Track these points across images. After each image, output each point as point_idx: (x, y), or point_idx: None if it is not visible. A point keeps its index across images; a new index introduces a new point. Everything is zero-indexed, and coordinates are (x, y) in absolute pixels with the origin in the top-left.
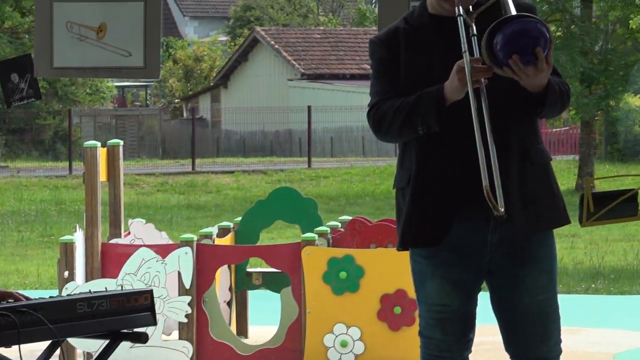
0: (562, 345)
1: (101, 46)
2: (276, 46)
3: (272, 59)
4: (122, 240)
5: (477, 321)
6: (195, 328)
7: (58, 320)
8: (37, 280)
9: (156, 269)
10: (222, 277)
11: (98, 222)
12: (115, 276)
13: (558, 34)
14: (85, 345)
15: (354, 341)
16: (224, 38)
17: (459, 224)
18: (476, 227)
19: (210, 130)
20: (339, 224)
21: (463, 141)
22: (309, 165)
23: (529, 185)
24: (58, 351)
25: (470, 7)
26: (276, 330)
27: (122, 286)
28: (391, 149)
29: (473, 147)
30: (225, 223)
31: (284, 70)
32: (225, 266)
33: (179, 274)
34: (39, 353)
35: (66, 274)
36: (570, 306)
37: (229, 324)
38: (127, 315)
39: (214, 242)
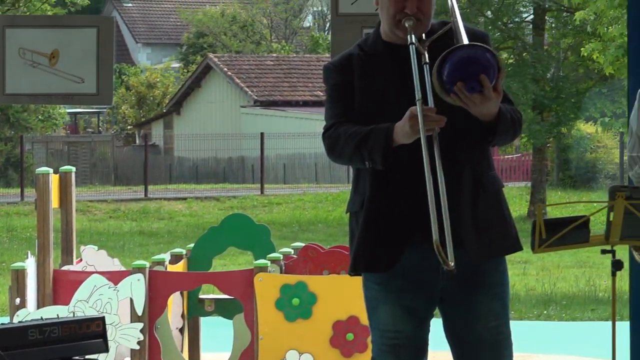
0: None
1: (54, 73)
2: (229, 73)
3: (225, 86)
4: (74, 267)
5: (429, 347)
6: (148, 355)
7: (9, 347)
8: None
9: (108, 295)
10: (175, 304)
11: (50, 248)
12: (67, 303)
13: (510, 61)
14: None
15: None
16: (176, 65)
17: (412, 250)
18: (429, 254)
19: (163, 156)
20: (292, 251)
21: (417, 169)
22: (262, 192)
23: (481, 212)
24: None
25: (423, 35)
26: (228, 357)
27: (74, 313)
28: (344, 175)
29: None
30: (177, 250)
31: (237, 97)
32: (178, 293)
33: (131, 300)
34: None
35: (17, 300)
36: (523, 332)
37: (181, 350)
38: (79, 342)
39: (166, 268)
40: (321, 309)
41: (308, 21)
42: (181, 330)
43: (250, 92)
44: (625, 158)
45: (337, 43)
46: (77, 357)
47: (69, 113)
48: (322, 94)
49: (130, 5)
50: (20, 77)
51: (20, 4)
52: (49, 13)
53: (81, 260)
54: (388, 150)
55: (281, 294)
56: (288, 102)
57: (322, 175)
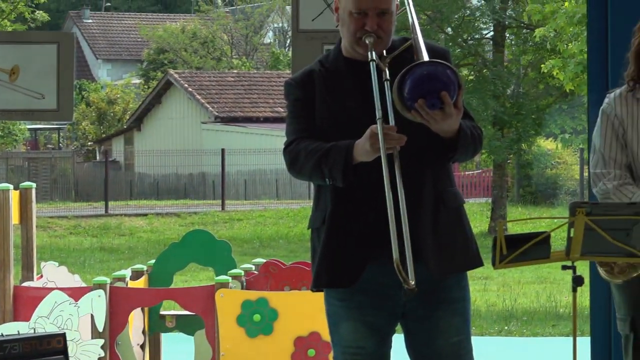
0: None
1: (14, 89)
2: (190, 89)
3: (186, 102)
4: (35, 284)
5: None
6: None
7: None
8: None
9: (69, 312)
10: (136, 320)
11: (10, 265)
12: (27, 319)
13: (470, 77)
14: None
15: None
16: (137, 81)
17: (373, 266)
18: (390, 270)
19: (124, 172)
20: (253, 267)
21: (378, 185)
22: (223, 208)
23: (442, 228)
24: None
25: (384, 51)
26: None
27: (34, 329)
28: (305, 191)
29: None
30: (138, 266)
31: (198, 113)
32: (139, 309)
33: (92, 317)
34: None
35: None
36: (484, 348)
37: None
38: (40, 358)
39: (127, 285)
40: (282, 325)
41: (268, 37)
42: (142, 347)
43: (211, 108)
44: (586, 174)
45: (297, 59)
46: None
47: (29, 129)
48: (283, 110)
49: (90, 21)
50: None
51: None
52: (9, 29)
53: (42, 276)
54: (348, 168)
55: (242, 310)
56: (249, 118)
57: (283, 191)
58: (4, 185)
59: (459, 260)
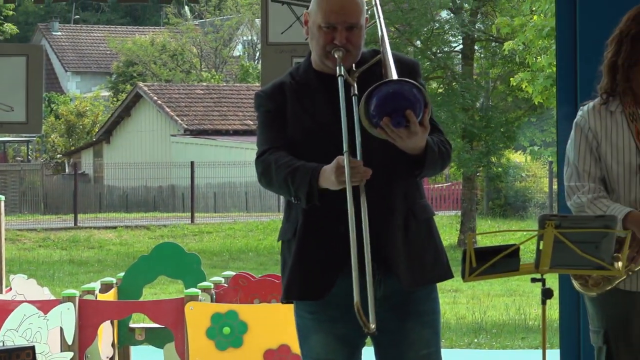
0: None
1: None
2: (159, 102)
3: (155, 115)
4: (4, 296)
5: None
6: None
7: None
8: None
9: (38, 324)
10: (105, 333)
11: None
12: None
13: (440, 90)
14: None
15: None
16: (106, 93)
17: (344, 279)
18: (360, 283)
19: (93, 185)
20: (223, 280)
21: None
22: (192, 221)
23: (413, 240)
24: None
25: (353, 65)
26: None
27: (3, 342)
28: (274, 204)
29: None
30: (107, 279)
31: (167, 126)
32: (108, 322)
33: (61, 329)
34: None
35: None
36: None
37: None
38: None
39: (96, 297)
40: (252, 338)
41: (238, 50)
42: (112, 359)
43: (180, 121)
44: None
45: (267, 72)
46: None
47: None
48: (252, 122)
49: (59, 34)
50: None
51: None
52: None
53: (10, 289)
54: (312, 192)
55: (212, 323)
56: (218, 131)
57: (253, 204)
58: None
59: (430, 272)
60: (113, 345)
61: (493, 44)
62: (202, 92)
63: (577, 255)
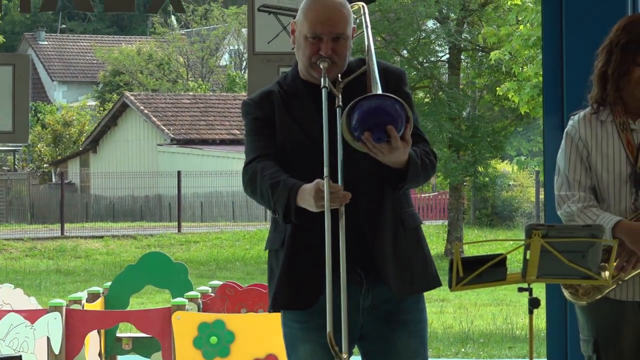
0: None
1: None
2: (145, 111)
3: (142, 124)
4: None
5: None
6: None
7: None
8: None
9: (25, 334)
10: (92, 342)
11: None
12: None
13: (426, 100)
14: None
15: None
16: (93, 103)
17: (332, 288)
18: (348, 292)
19: (80, 194)
20: (210, 289)
21: (334, 212)
22: (179, 230)
23: (402, 249)
24: None
25: (339, 76)
26: None
27: None
28: (261, 214)
29: (346, 217)
30: (94, 288)
31: (154, 135)
32: (95, 331)
33: (48, 339)
34: None
35: None
36: None
37: None
38: None
39: (83, 307)
40: (239, 347)
41: (224, 60)
42: None
43: (167, 131)
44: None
45: (253, 81)
46: None
47: None
48: (239, 132)
49: (45, 43)
50: None
51: None
52: None
53: None
54: (289, 210)
55: (199, 332)
56: (205, 140)
57: (240, 213)
58: None
59: (419, 280)
60: (100, 354)
61: (479, 53)
62: (188, 101)
63: (564, 264)
